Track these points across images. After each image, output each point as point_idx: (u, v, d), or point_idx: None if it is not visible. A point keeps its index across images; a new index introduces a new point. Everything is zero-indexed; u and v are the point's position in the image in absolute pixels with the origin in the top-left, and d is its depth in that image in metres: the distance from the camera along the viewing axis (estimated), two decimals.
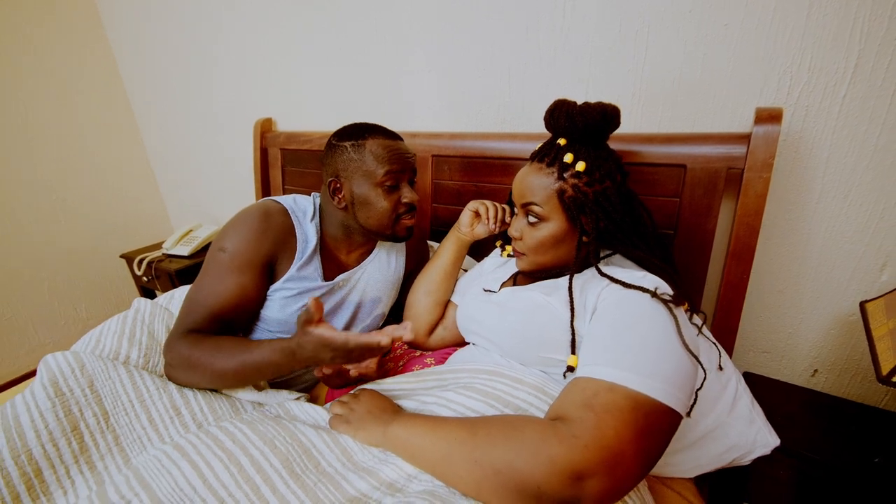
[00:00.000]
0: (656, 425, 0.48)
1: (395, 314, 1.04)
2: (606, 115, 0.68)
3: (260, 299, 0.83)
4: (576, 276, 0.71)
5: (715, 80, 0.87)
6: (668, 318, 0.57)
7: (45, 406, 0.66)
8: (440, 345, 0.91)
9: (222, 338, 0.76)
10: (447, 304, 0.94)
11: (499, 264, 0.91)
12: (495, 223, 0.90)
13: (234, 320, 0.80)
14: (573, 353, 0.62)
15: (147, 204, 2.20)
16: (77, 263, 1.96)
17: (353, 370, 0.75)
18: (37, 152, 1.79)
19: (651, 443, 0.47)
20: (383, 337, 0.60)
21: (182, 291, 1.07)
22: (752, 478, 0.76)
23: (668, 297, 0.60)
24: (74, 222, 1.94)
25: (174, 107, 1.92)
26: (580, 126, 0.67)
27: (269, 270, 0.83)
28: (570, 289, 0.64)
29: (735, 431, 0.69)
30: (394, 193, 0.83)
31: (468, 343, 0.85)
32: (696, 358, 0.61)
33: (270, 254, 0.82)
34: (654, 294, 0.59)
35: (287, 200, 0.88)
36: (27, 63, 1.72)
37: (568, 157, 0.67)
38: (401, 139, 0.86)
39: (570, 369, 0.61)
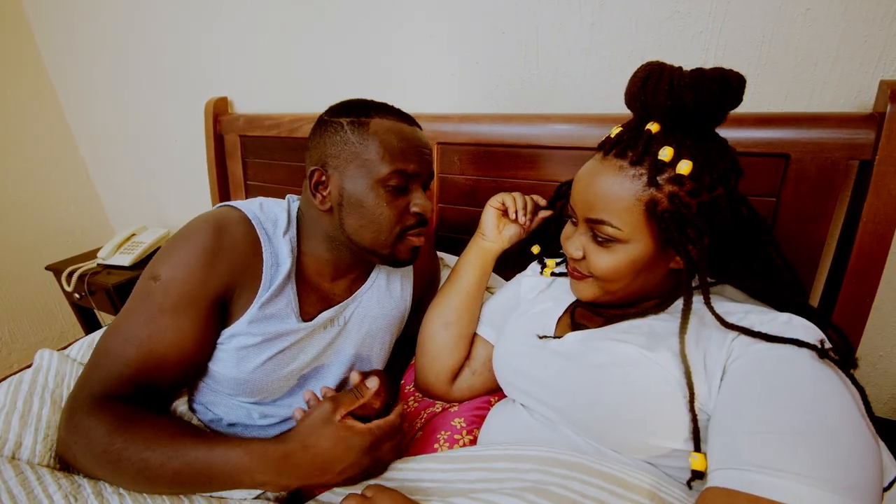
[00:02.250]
0: None
1: (400, 345, 0.81)
2: (731, 89, 0.46)
3: (204, 351, 0.58)
4: (674, 317, 0.50)
5: (816, 46, 0.67)
6: (845, 390, 0.40)
7: None
8: (468, 394, 0.69)
9: (157, 419, 0.51)
10: (473, 337, 0.72)
11: (541, 287, 0.70)
12: (526, 216, 0.69)
13: (160, 383, 0.55)
14: (697, 447, 0.42)
15: (79, 204, 1.85)
16: None
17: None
18: None
19: None
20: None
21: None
22: None
23: (835, 356, 0.41)
24: None
25: (107, 85, 1.58)
26: (690, 105, 0.45)
27: (220, 309, 0.58)
28: (682, 352, 0.44)
29: None
30: (400, 198, 0.60)
31: (505, 395, 0.64)
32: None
33: (224, 285, 0.57)
34: (822, 351, 0.40)
35: (250, 207, 0.62)
36: None
37: (666, 153, 0.46)
38: (418, 125, 0.62)
39: (698, 475, 0.41)
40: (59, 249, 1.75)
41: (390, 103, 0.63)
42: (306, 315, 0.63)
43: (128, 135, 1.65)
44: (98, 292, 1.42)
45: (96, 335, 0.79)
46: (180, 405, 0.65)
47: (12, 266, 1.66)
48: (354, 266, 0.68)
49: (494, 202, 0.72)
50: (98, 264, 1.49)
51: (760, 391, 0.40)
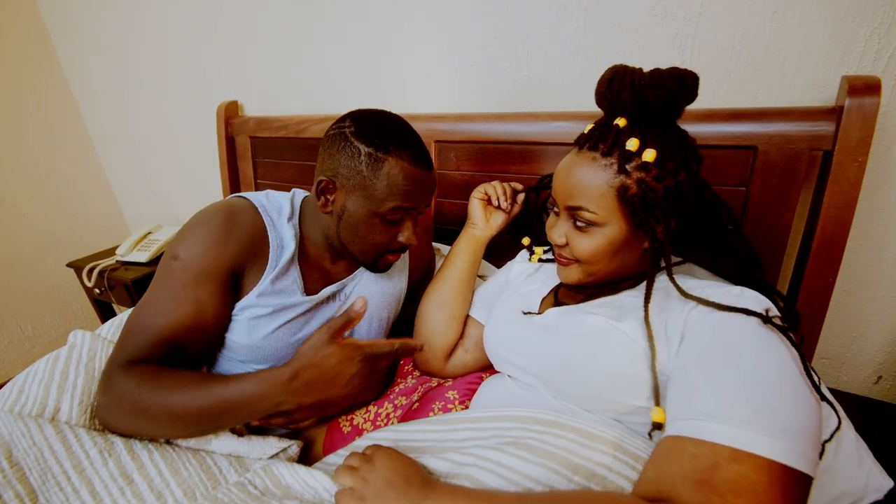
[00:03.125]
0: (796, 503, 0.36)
1: (398, 331, 0.87)
2: (686, 86, 0.52)
3: (222, 320, 0.65)
4: (641, 293, 0.56)
5: (783, 46, 0.72)
6: (786, 350, 0.44)
7: None
8: (461, 371, 0.75)
9: (180, 371, 0.59)
10: (466, 319, 0.78)
11: (529, 272, 0.75)
12: (508, 200, 0.77)
13: (188, 347, 0.62)
14: (658, 403, 0.47)
15: (98, 204, 1.93)
16: (18, 274, 1.70)
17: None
18: None
19: None
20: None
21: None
22: None
23: (782, 323, 0.46)
24: (12, 227, 1.68)
25: (124, 91, 1.66)
26: (650, 101, 0.51)
27: (233, 283, 0.65)
28: (646, 319, 0.49)
29: (844, 476, 0.56)
30: (392, 228, 0.66)
31: (497, 371, 0.69)
32: (830, 403, 0.48)
33: (236, 262, 0.64)
34: (765, 318, 0.45)
35: (257, 197, 0.70)
36: None
37: (632, 144, 0.51)
38: (430, 166, 0.66)
39: (658, 426, 0.46)
40: (79, 248, 1.84)
41: (412, 131, 0.66)
42: (310, 290, 0.70)
43: (143, 138, 1.73)
44: (117, 287, 1.49)
45: (124, 315, 0.86)
46: None
47: (35, 263, 1.75)
48: (348, 254, 0.75)
49: (478, 193, 0.78)
50: (116, 261, 1.56)
51: (711, 352, 0.45)
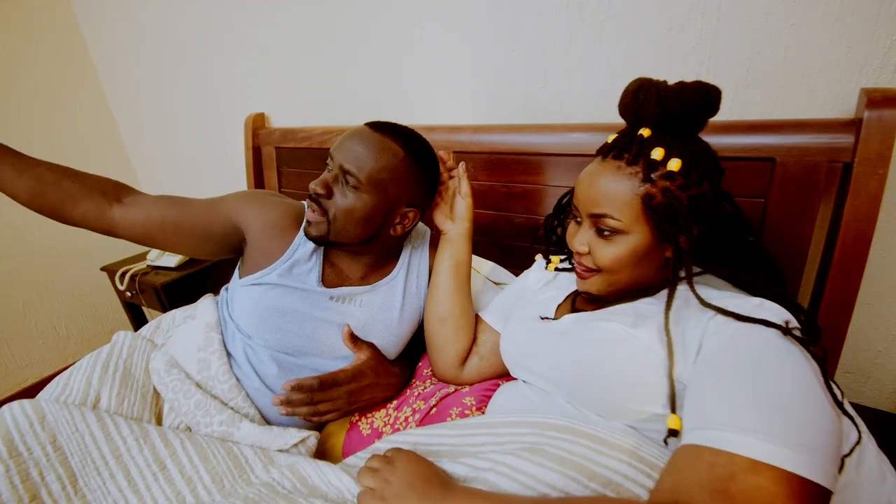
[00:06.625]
0: None
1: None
2: (710, 99, 0.53)
3: (207, 236, 0.76)
4: (658, 301, 0.57)
5: (802, 58, 0.73)
6: (805, 363, 0.44)
7: None
8: (478, 378, 0.77)
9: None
10: (476, 323, 0.79)
11: (546, 280, 0.77)
12: (446, 171, 0.78)
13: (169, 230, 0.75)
14: (673, 409, 0.48)
15: None
16: (54, 277, 1.79)
17: None
18: None
19: None
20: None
21: (169, 317, 0.91)
22: None
23: (802, 335, 0.46)
24: (50, 232, 1.76)
25: (156, 103, 1.74)
26: (675, 112, 0.52)
27: (232, 230, 0.76)
28: (666, 327, 0.50)
29: (866, 492, 0.55)
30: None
31: (513, 378, 0.71)
32: (851, 417, 0.48)
33: (242, 217, 0.76)
34: (785, 329, 0.45)
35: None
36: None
37: (657, 153, 0.53)
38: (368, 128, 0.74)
39: (673, 433, 0.47)
40: (113, 252, 1.91)
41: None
42: (327, 283, 0.76)
43: (173, 149, 1.80)
44: (147, 291, 1.55)
45: (163, 317, 0.92)
46: (159, 362, 0.75)
47: (71, 267, 1.82)
48: (374, 260, 0.79)
49: None
50: (147, 265, 1.62)
51: (730, 362, 0.45)
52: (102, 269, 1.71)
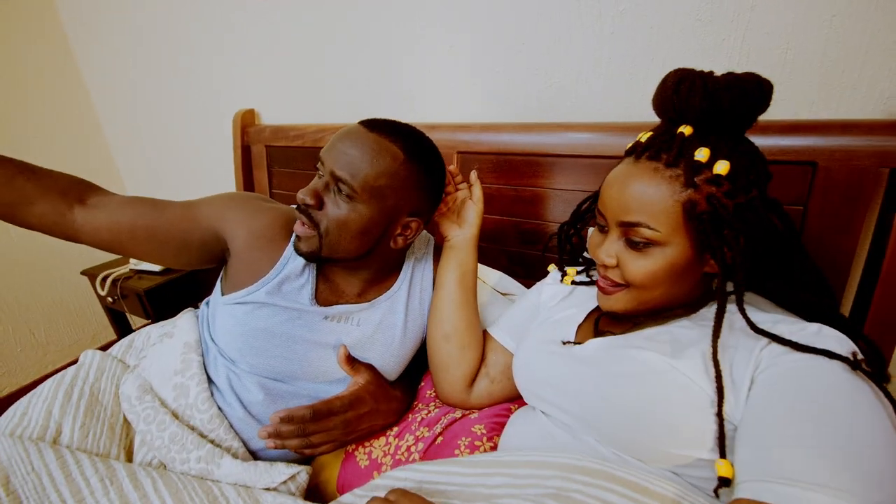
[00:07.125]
0: None
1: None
2: (763, 93, 0.46)
3: (184, 245, 0.68)
4: (697, 324, 0.50)
5: (843, 53, 0.66)
6: (878, 404, 0.39)
7: None
8: (488, 401, 0.70)
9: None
10: (484, 341, 0.72)
11: (562, 295, 0.70)
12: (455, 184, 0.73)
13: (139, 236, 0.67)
14: (723, 454, 0.41)
15: None
16: (33, 280, 1.70)
17: None
18: None
19: None
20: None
21: (144, 334, 0.83)
22: None
23: (868, 368, 0.40)
24: (27, 232, 1.66)
25: (141, 99, 1.65)
26: (726, 106, 0.45)
27: (213, 239, 0.69)
28: (714, 357, 0.43)
29: None
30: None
31: (525, 403, 0.64)
32: None
33: (221, 225, 0.68)
34: (854, 363, 0.39)
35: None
36: None
37: (702, 154, 0.46)
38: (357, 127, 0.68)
39: (725, 482, 0.41)
40: (94, 255, 1.83)
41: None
42: (321, 300, 0.68)
43: (159, 147, 1.72)
44: (130, 296, 1.47)
45: (135, 336, 0.83)
46: (130, 387, 0.68)
47: (49, 271, 1.74)
48: (373, 275, 0.71)
49: None
50: (130, 270, 1.54)
51: (791, 402, 0.39)
52: (83, 272, 1.62)
